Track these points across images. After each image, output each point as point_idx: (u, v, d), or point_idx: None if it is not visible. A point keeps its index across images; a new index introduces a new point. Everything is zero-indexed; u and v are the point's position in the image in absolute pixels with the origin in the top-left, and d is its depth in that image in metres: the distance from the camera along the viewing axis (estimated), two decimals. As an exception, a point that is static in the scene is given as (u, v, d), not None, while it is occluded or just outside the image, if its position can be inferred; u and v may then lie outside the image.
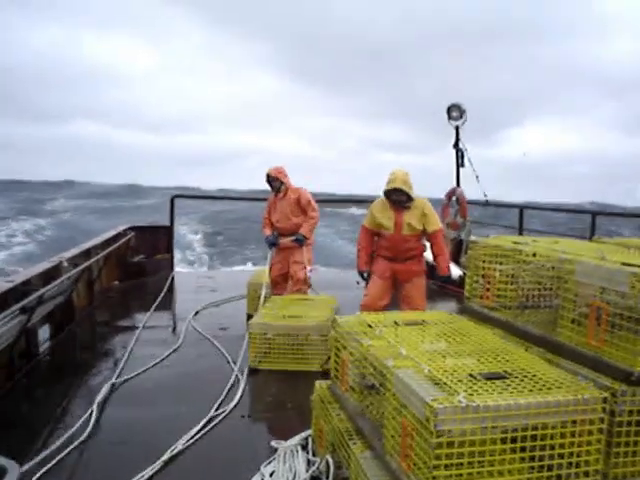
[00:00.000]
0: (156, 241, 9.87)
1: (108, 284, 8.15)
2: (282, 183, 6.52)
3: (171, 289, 8.60)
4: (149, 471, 3.09)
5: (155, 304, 7.07)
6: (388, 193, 5.16)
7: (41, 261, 5.86)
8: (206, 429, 3.65)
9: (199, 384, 4.51)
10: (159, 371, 4.77)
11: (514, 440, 1.93)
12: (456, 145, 9.34)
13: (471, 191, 9.18)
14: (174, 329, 6.28)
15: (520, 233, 8.34)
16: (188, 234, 30.71)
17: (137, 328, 6.05)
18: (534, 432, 1.93)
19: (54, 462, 3.18)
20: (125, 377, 4.52)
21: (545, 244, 2.89)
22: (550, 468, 1.97)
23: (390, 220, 5.25)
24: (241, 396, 4.21)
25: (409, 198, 5.14)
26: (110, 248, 7.62)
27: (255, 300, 6.33)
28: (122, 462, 3.26)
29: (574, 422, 1.97)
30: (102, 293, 7.66)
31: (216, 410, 3.92)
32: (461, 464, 1.87)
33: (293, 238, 6.47)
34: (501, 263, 2.95)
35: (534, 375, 2.14)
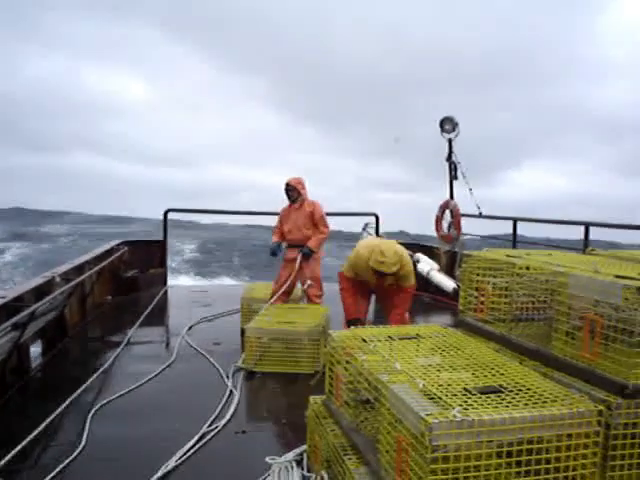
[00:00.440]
0: (149, 256, 9.84)
1: (101, 299, 8.10)
2: (299, 194, 6.57)
3: (164, 304, 8.57)
4: (142, 489, 3.06)
5: (148, 319, 7.03)
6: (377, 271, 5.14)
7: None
8: (199, 445, 3.62)
9: (193, 400, 4.47)
10: (152, 387, 4.73)
11: (509, 454, 1.92)
12: (449, 158, 9.39)
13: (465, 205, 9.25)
14: (167, 344, 6.25)
15: (514, 245, 8.35)
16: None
17: (130, 344, 6.02)
18: (529, 446, 1.92)
19: (47, 479, 3.15)
20: (118, 393, 4.48)
21: (539, 257, 2.90)
22: (546, 482, 1.95)
23: (372, 280, 5.37)
24: (235, 411, 4.18)
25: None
26: (103, 263, 7.58)
27: (249, 315, 6.32)
28: (115, 479, 3.23)
29: (569, 436, 1.97)
30: (95, 308, 7.61)
31: (209, 426, 3.89)
32: (457, 479, 1.86)
33: (299, 250, 6.53)
34: (495, 276, 2.95)
35: (529, 389, 2.14)
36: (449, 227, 9.29)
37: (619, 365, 2.13)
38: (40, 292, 5.16)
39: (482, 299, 3.06)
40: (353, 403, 2.70)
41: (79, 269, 6.70)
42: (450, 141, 9.32)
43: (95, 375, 4.90)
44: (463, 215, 9.20)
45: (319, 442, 2.97)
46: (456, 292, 7.38)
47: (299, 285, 6.75)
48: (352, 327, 5.15)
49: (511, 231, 8.52)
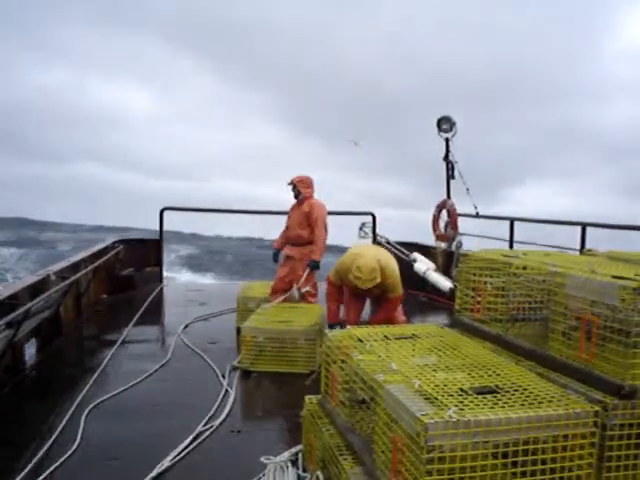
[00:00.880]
0: (145, 254, 9.82)
1: (96, 297, 8.08)
2: (300, 192, 6.57)
3: (160, 302, 8.54)
4: (136, 488, 3.05)
5: (144, 318, 7.01)
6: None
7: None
8: (194, 444, 3.61)
9: (188, 398, 4.45)
10: (148, 386, 4.71)
11: (505, 455, 1.91)
12: (446, 157, 9.39)
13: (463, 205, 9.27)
14: (163, 343, 6.22)
15: (511, 245, 8.35)
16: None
17: (126, 342, 5.99)
18: (525, 447, 1.91)
19: (40, 479, 3.13)
20: (113, 392, 4.46)
21: (536, 257, 2.89)
22: (542, 483, 1.95)
23: (359, 289, 5.40)
24: (230, 410, 4.17)
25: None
26: (99, 261, 7.56)
27: (245, 313, 6.30)
28: (109, 479, 3.21)
29: (565, 436, 1.96)
30: (90, 307, 7.59)
31: (205, 425, 3.87)
32: (452, 479, 1.85)
33: (306, 263, 6.51)
34: (492, 276, 2.94)
35: (525, 389, 2.13)
36: (446, 226, 9.29)
37: (615, 366, 2.12)
38: (35, 290, 5.14)
39: (479, 299, 3.05)
40: (349, 403, 2.69)
41: (74, 267, 6.67)
42: (447, 141, 9.33)
43: (90, 374, 4.88)
44: (460, 215, 9.20)
45: (315, 442, 2.96)
46: (453, 292, 7.37)
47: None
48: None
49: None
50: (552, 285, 2.50)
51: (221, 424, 3.92)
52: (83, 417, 3.94)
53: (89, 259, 7.42)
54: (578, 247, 6.87)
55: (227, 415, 4.08)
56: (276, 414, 4.19)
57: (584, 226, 7.03)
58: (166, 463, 3.31)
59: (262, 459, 3.16)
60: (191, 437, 3.65)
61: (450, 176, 9.41)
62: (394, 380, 2.23)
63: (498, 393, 2.10)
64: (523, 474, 1.92)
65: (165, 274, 10.30)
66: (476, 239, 9.25)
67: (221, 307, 7.70)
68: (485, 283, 2.99)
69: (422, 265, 8.42)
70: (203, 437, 3.72)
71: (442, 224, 9.38)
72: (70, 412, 4.03)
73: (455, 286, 7.19)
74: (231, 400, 4.35)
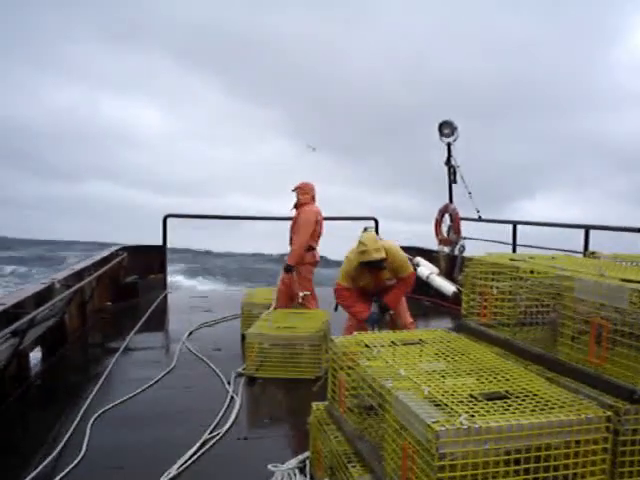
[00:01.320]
0: (149, 261, 9.81)
1: (101, 305, 8.07)
2: (298, 199, 6.57)
3: (164, 309, 8.54)
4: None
5: (148, 325, 7.00)
6: (364, 264, 5.09)
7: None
8: (201, 452, 3.59)
9: (194, 406, 4.44)
10: (153, 393, 4.70)
11: (517, 462, 1.90)
12: (448, 162, 9.39)
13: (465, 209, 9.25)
14: (168, 350, 6.21)
15: (514, 249, 8.33)
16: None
17: (130, 349, 5.99)
18: (537, 453, 1.89)
19: None
20: (118, 400, 4.44)
21: (542, 260, 2.87)
22: (554, 490, 1.93)
23: (369, 281, 5.29)
24: (236, 417, 4.15)
25: (383, 261, 5.08)
26: (103, 269, 7.55)
27: (249, 320, 6.28)
28: None
29: (577, 442, 1.94)
30: (95, 314, 7.58)
31: (211, 433, 3.86)
32: (464, 487, 1.83)
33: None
34: (498, 280, 2.92)
35: (535, 395, 2.11)
36: (448, 231, 9.28)
37: (627, 370, 2.10)
38: (40, 298, 5.13)
39: (485, 303, 3.03)
40: (357, 409, 2.68)
41: (79, 275, 6.67)
42: (449, 145, 9.33)
43: (95, 382, 4.87)
44: (462, 219, 9.19)
45: (322, 449, 2.94)
46: (456, 296, 7.36)
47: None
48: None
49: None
50: (560, 289, 2.48)
51: (227, 431, 3.91)
52: (89, 425, 3.92)
53: (93, 267, 7.41)
54: (581, 250, 6.84)
55: (233, 422, 4.06)
56: (282, 421, 4.18)
57: (587, 229, 7.01)
58: (173, 471, 3.29)
59: (269, 467, 3.14)
60: (197, 445, 3.64)
61: (452, 180, 9.41)
62: (403, 386, 2.21)
63: (508, 399, 2.08)
64: (535, 481, 1.90)
65: (170, 279, 10.30)
66: (479, 243, 9.25)
67: (225, 313, 7.69)
68: (492, 287, 2.97)
69: (425, 269, 8.40)
70: (210, 445, 3.70)
71: (445, 228, 9.37)
72: (76, 420, 4.01)
73: (459, 290, 7.19)
74: (237, 407, 4.33)
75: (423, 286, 8.34)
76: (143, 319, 7.13)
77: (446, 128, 9.30)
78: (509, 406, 2.00)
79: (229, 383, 4.87)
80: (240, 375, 5.11)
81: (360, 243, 5.05)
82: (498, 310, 2.94)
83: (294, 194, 6.68)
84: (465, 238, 9.12)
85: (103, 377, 5.00)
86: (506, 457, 1.89)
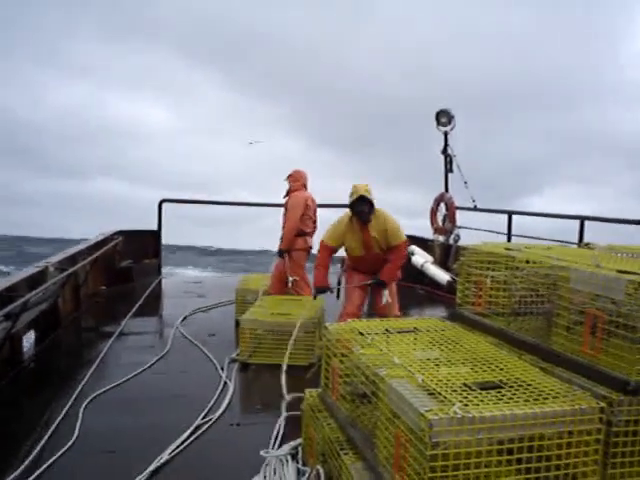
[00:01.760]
0: (144, 245, 9.78)
1: (95, 289, 8.05)
2: (289, 186, 6.54)
3: (159, 294, 8.53)
4: (135, 482, 3.03)
5: (142, 310, 6.98)
6: (353, 205, 5.24)
7: None
8: (193, 437, 3.59)
9: (187, 391, 4.44)
10: (146, 378, 4.70)
11: (510, 451, 1.89)
12: (445, 151, 9.37)
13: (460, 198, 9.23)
14: (161, 335, 6.21)
15: (509, 239, 8.34)
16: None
17: (124, 334, 5.97)
18: (530, 443, 1.89)
19: (38, 472, 3.11)
20: (111, 384, 4.44)
21: (538, 250, 2.86)
22: (546, 480, 1.93)
23: (358, 242, 5.36)
24: (229, 403, 4.15)
25: (371, 207, 5.22)
26: (97, 253, 7.52)
27: (243, 306, 6.28)
28: (108, 472, 3.20)
29: (570, 433, 1.94)
30: (88, 298, 7.56)
31: (204, 418, 3.86)
32: (456, 476, 1.83)
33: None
34: (494, 270, 2.91)
35: (529, 384, 2.11)
36: (444, 220, 9.28)
37: (621, 361, 2.10)
38: (33, 282, 5.11)
39: (480, 293, 3.02)
40: (350, 397, 2.67)
41: (73, 259, 6.64)
42: (446, 134, 9.31)
43: (89, 366, 4.86)
44: (458, 208, 9.19)
45: (315, 436, 2.94)
46: (450, 285, 7.37)
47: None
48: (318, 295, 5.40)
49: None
50: (556, 279, 2.47)
51: (220, 417, 3.91)
52: (81, 409, 3.92)
53: (87, 251, 7.38)
54: (576, 241, 6.85)
55: (226, 408, 4.06)
56: (275, 407, 4.17)
57: (582, 220, 7.01)
58: (165, 456, 3.29)
59: (261, 452, 3.14)
60: (190, 430, 3.64)
61: (448, 169, 9.40)
62: (396, 375, 2.20)
63: (502, 388, 2.07)
64: (528, 470, 1.90)
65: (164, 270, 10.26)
66: (474, 232, 9.25)
67: (220, 299, 7.68)
68: (487, 277, 2.96)
69: (420, 258, 8.40)
70: (202, 430, 3.70)
71: (440, 217, 9.37)
72: (68, 404, 4.01)
73: (453, 279, 7.19)
74: (230, 393, 4.33)
75: (417, 275, 8.34)
76: (137, 304, 7.11)
77: (443, 117, 9.28)
78: (503, 396, 1.99)
79: (222, 369, 4.87)
80: (234, 361, 5.11)
81: (352, 187, 5.25)
82: (493, 299, 2.93)
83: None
84: (460, 227, 9.12)
85: (96, 361, 4.99)
86: (499, 447, 1.89)
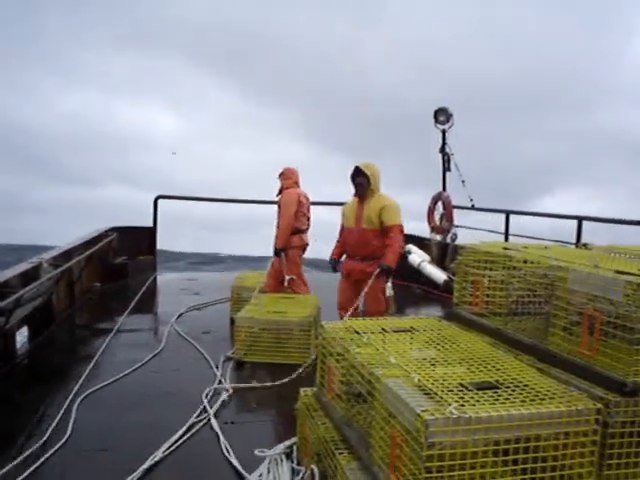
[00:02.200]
0: (139, 242, 9.75)
1: (89, 286, 8.01)
2: (282, 184, 6.52)
3: (154, 291, 8.50)
4: (128, 481, 3.00)
5: (137, 307, 6.95)
6: (352, 177, 5.38)
7: None
8: (187, 436, 3.57)
9: (181, 389, 4.41)
10: (140, 375, 4.67)
11: (506, 452, 1.88)
12: (442, 149, 9.36)
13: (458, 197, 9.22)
14: (156, 332, 6.18)
15: (506, 238, 8.33)
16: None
17: (118, 331, 5.94)
18: (526, 444, 1.88)
19: (31, 469, 3.08)
20: (105, 382, 4.41)
21: (536, 250, 2.85)
22: (542, 481, 1.92)
23: (352, 212, 5.44)
24: (224, 401, 4.13)
25: (369, 182, 5.29)
26: (92, 249, 7.49)
27: (239, 303, 6.26)
28: (101, 470, 3.17)
29: (567, 434, 1.93)
30: (83, 295, 7.53)
31: (198, 416, 3.84)
32: (452, 477, 1.82)
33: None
34: (491, 269, 2.90)
35: (526, 385, 2.10)
36: (441, 219, 9.27)
37: (618, 362, 2.09)
38: (27, 278, 5.08)
39: (477, 292, 3.01)
40: (345, 396, 2.65)
41: (67, 255, 6.61)
42: (444, 132, 9.31)
43: (82, 363, 4.84)
44: (455, 207, 9.18)
45: (309, 435, 2.92)
46: (447, 284, 7.36)
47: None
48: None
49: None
50: (554, 279, 2.46)
51: (214, 415, 3.88)
52: (75, 407, 3.90)
53: (82, 247, 7.35)
54: (574, 241, 6.84)
55: (220, 406, 4.04)
56: (270, 406, 4.16)
57: (580, 220, 7.01)
58: (159, 454, 3.27)
59: (256, 452, 3.12)
60: (184, 428, 3.61)
61: (446, 168, 9.40)
62: (392, 374, 2.19)
63: (499, 389, 2.06)
64: (524, 471, 1.88)
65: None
66: (471, 231, 9.25)
67: (215, 296, 7.66)
68: (484, 276, 2.95)
69: (417, 257, 8.40)
70: (196, 428, 3.68)
71: (437, 216, 9.36)
72: (62, 402, 3.98)
73: (450, 278, 7.18)
74: (225, 391, 4.31)
75: (414, 274, 8.34)
76: (132, 301, 7.08)
77: (441, 115, 9.28)
78: (499, 396, 1.98)
79: (217, 367, 4.85)
80: (228, 359, 5.09)
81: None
82: (490, 299, 2.92)
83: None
84: (458, 226, 9.11)
85: (90, 358, 4.96)
86: (495, 447, 1.88)
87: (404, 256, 8.15)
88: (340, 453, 2.48)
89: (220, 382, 4.52)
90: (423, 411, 1.81)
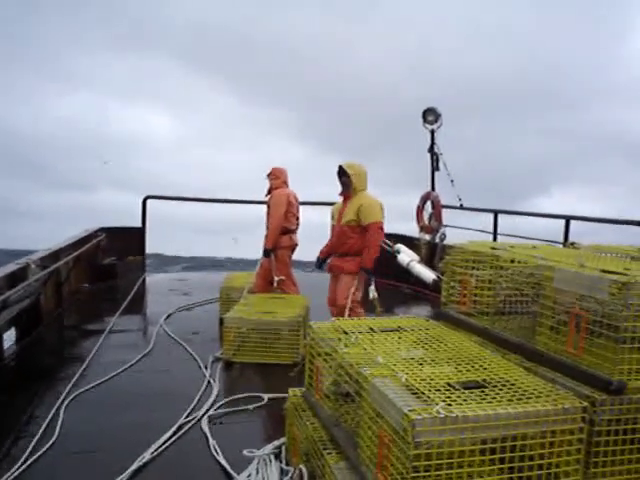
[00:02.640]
0: (128, 243, 9.70)
1: (77, 286, 7.97)
2: (271, 184, 6.51)
3: (143, 292, 8.46)
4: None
5: (126, 307, 6.92)
6: (338, 176, 5.55)
7: None
8: (176, 436, 3.56)
9: (170, 390, 4.40)
10: (129, 376, 4.65)
11: (493, 451, 1.89)
12: (431, 149, 9.38)
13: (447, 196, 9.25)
14: (145, 333, 6.16)
15: (495, 238, 8.36)
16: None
17: (107, 332, 5.91)
18: (513, 443, 1.89)
19: (18, 472, 3.06)
20: (94, 383, 4.39)
21: (523, 250, 2.86)
22: (529, 479, 1.92)
23: (337, 210, 5.65)
24: (213, 402, 4.12)
25: (350, 180, 5.42)
26: (80, 250, 7.45)
27: (228, 304, 6.25)
28: (89, 472, 3.16)
29: (553, 432, 1.94)
30: (71, 296, 7.49)
31: (187, 417, 3.83)
32: (439, 476, 1.82)
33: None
34: (478, 269, 2.91)
35: (513, 384, 2.10)
36: (430, 218, 9.28)
37: (604, 361, 2.10)
38: (14, 279, 5.05)
39: (465, 292, 3.02)
40: (333, 396, 2.65)
41: (55, 256, 6.57)
42: (432, 132, 9.32)
43: (70, 364, 4.81)
44: (444, 206, 9.20)
45: (298, 435, 2.92)
46: (436, 284, 7.36)
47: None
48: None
49: None
50: (540, 279, 2.47)
51: (203, 416, 3.87)
52: (62, 408, 3.87)
53: (70, 247, 7.31)
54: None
55: (209, 407, 4.03)
56: (259, 406, 4.15)
57: (568, 219, 7.04)
58: (147, 456, 3.26)
59: (245, 452, 3.12)
60: (173, 429, 3.60)
61: (435, 168, 9.41)
62: (380, 374, 2.19)
63: (486, 388, 2.07)
64: (511, 470, 1.89)
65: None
66: (460, 231, 9.27)
67: (204, 297, 7.65)
68: (472, 276, 2.96)
69: (406, 257, 8.37)
70: (185, 429, 3.67)
71: (426, 216, 9.37)
72: (49, 403, 3.96)
73: (439, 278, 7.19)
74: (214, 391, 4.30)
75: (403, 273, 8.34)
76: (121, 302, 7.05)
77: (430, 115, 9.29)
78: (486, 395, 1.98)
79: (206, 367, 4.84)
80: (217, 359, 5.08)
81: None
82: (478, 299, 2.93)
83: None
84: (446, 226, 9.13)
85: (78, 359, 4.94)
86: (482, 446, 1.88)
87: (393, 256, 8.15)
88: (328, 453, 2.48)
89: (209, 382, 4.50)
90: (410, 410, 1.81)
